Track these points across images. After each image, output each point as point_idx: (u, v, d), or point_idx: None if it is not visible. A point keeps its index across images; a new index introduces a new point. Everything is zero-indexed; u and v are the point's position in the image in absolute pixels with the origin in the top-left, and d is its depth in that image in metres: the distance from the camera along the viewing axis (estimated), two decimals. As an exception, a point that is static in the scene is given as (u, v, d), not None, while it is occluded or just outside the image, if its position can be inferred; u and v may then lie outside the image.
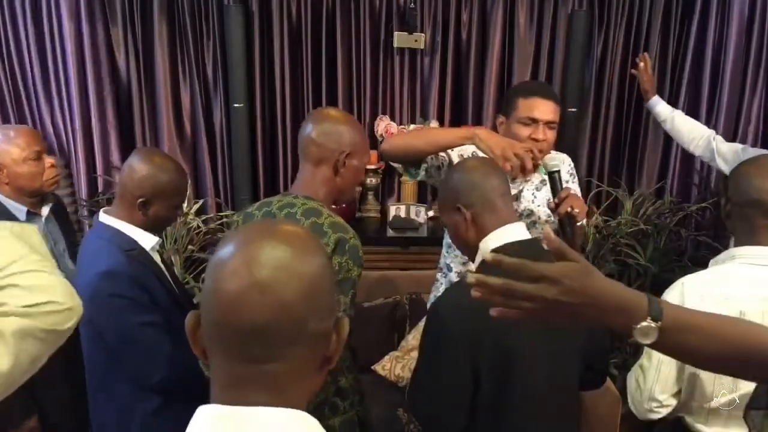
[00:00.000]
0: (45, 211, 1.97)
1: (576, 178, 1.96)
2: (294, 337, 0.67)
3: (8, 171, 1.85)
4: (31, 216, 1.92)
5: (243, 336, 0.66)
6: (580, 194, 1.90)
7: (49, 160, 1.92)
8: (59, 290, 0.94)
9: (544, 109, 1.74)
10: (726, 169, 2.35)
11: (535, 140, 1.74)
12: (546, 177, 1.84)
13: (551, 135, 1.76)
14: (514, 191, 1.85)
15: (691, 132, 2.41)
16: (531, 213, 1.87)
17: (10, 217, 1.86)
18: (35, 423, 1.87)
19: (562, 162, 1.84)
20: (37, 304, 0.89)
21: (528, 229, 1.82)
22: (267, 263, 0.66)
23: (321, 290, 0.69)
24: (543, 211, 1.87)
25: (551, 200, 1.66)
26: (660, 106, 2.45)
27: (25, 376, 0.90)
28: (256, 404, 0.65)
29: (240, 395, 0.66)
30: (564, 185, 1.78)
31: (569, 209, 1.58)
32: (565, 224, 1.61)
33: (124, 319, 1.42)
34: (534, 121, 1.73)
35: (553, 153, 1.89)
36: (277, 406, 0.66)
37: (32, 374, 0.92)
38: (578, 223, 1.61)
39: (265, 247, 0.67)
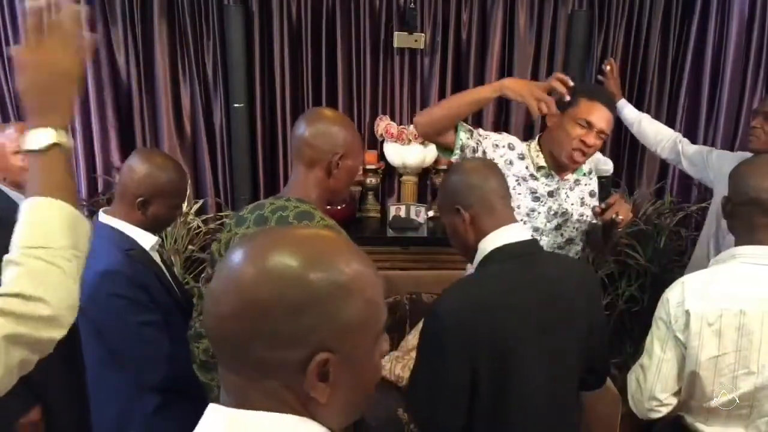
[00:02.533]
0: None
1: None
2: (237, 356, 0.63)
3: (1, 165, 1.87)
4: None
5: (209, 339, 0.67)
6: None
7: None
8: (59, 294, 0.87)
9: (603, 117, 1.73)
10: (691, 170, 2.39)
11: (585, 143, 1.73)
12: (580, 177, 1.89)
13: (599, 143, 1.77)
14: (550, 188, 1.86)
15: (657, 135, 2.44)
16: (565, 212, 1.87)
17: (11, 208, 1.87)
18: (37, 415, 1.88)
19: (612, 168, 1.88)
20: (26, 296, 0.83)
21: (561, 227, 1.88)
22: (224, 273, 0.64)
23: (268, 314, 0.61)
24: (575, 210, 1.88)
25: (598, 205, 1.68)
26: (627, 110, 2.49)
27: (11, 383, 0.85)
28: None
29: (233, 400, 0.66)
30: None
31: (614, 216, 1.60)
32: (606, 228, 1.65)
33: (124, 319, 1.42)
34: (589, 125, 1.72)
35: (602, 157, 1.91)
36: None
37: (16, 381, 0.86)
38: (620, 229, 1.65)
39: (241, 256, 0.64)
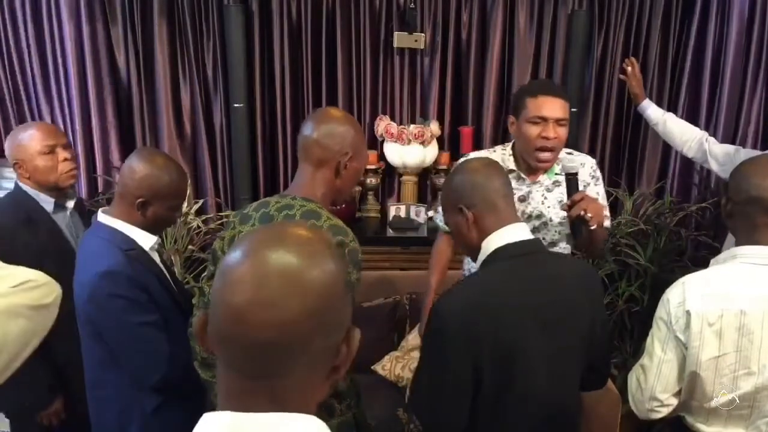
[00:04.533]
0: (70, 204, 2.00)
1: (600, 180, 1.93)
2: (299, 354, 0.65)
3: (26, 166, 1.88)
4: (58, 208, 1.95)
5: (246, 352, 0.64)
6: (603, 195, 1.90)
7: (63, 154, 1.91)
8: (33, 273, 0.97)
9: (552, 107, 1.73)
10: (718, 170, 2.35)
11: (546, 138, 1.73)
12: (558, 179, 1.85)
13: (562, 132, 1.76)
14: (521, 193, 1.85)
15: (683, 134, 2.41)
16: (540, 215, 1.86)
17: (39, 208, 1.91)
18: (60, 405, 1.92)
19: (582, 165, 1.83)
20: (15, 286, 0.90)
21: (539, 230, 1.86)
22: (272, 277, 0.64)
23: (329, 306, 0.67)
24: (554, 213, 1.86)
25: (566, 202, 1.67)
26: (651, 109, 2.46)
27: (17, 359, 0.90)
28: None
29: (244, 406, 0.65)
30: (582, 187, 1.77)
31: (582, 213, 1.59)
32: (576, 227, 1.64)
33: (123, 319, 1.42)
34: (543, 119, 1.73)
35: (575, 154, 1.89)
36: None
37: (25, 358, 0.92)
38: (592, 227, 1.61)
39: (272, 257, 0.65)
